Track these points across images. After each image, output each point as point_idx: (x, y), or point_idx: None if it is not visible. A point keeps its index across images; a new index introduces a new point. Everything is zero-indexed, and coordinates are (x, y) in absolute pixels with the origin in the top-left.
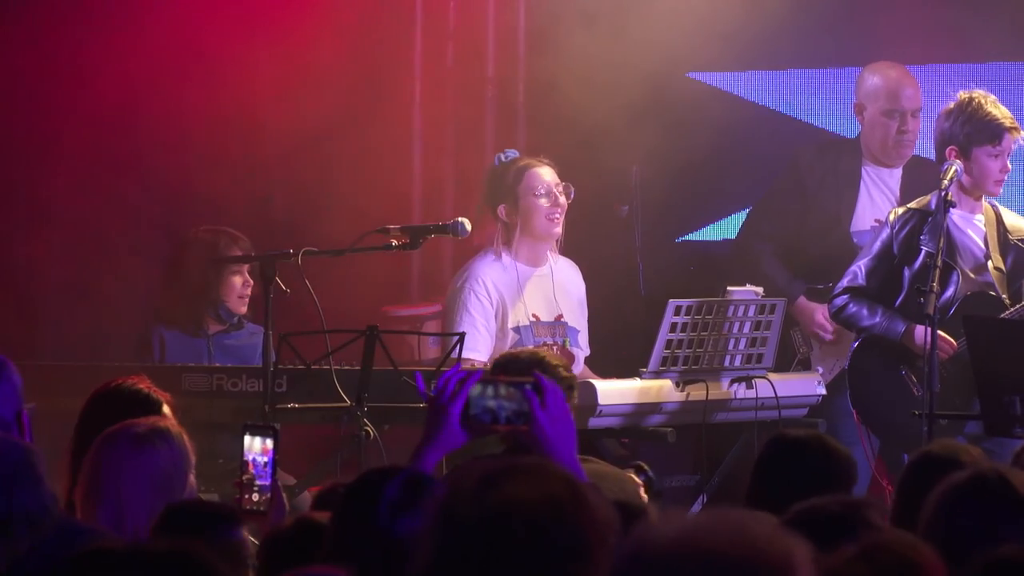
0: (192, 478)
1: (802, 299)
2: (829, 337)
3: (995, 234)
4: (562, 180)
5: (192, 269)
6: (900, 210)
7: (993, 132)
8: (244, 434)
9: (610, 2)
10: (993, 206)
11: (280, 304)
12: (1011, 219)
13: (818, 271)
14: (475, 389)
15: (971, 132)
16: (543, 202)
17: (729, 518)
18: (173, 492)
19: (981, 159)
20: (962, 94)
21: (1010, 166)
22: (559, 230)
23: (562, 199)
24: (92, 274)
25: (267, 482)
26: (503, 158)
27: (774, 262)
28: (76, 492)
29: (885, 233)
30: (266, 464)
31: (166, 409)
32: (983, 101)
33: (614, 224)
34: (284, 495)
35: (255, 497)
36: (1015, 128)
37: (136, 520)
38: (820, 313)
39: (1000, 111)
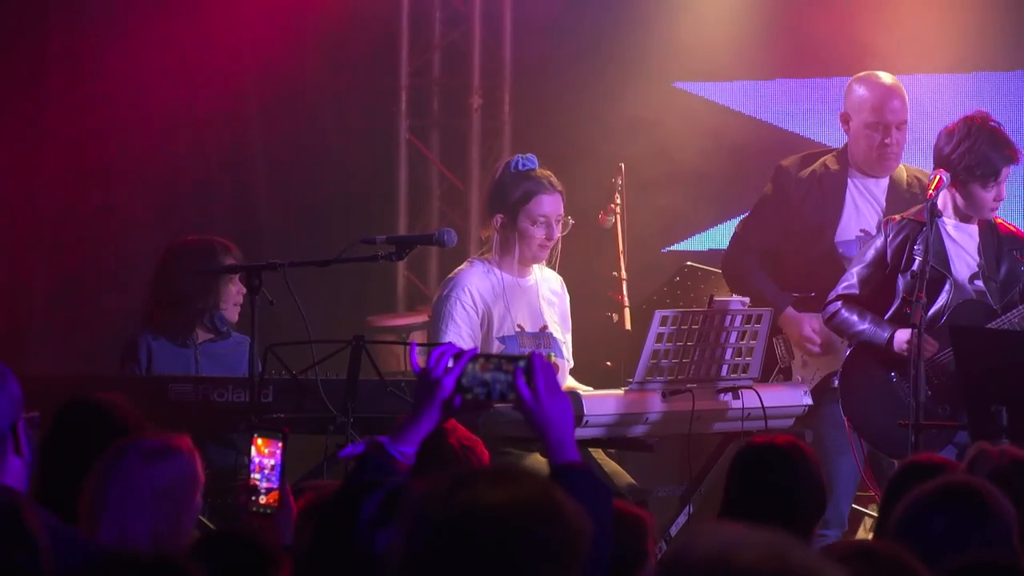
0: (199, 498)
1: (790, 310)
2: (816, 350)
3: (989, 243)
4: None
5: (188, 278)
6: (896, 218)
7: (990, 169)
8: (251, 436)
9: (596, 13)
10: None
11: (266, 314)
12: (1006, 228)
13: (804, 281)
14: (470, 367)
15: (969, 166)
16: (539, 232)
17: (764, 536)
18: (176, 509)
19: (976, 192)
20: (965, 119)
21: (1005, 194)
22: (544, 257)
23: (556, 231)
24: (79, 284)
25: (274, 484)
26: (519, 166)
27: (761, 273)
28: (80, 502)
29: (879, 241)
30: (273, 466)
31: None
32: (982, 133)
33: (600, 234)
34: (291, 498)
35: (261, 500)
36: (1012, 159)
37: (136, 533)
38: (808, 326)
39: (998, 142)
